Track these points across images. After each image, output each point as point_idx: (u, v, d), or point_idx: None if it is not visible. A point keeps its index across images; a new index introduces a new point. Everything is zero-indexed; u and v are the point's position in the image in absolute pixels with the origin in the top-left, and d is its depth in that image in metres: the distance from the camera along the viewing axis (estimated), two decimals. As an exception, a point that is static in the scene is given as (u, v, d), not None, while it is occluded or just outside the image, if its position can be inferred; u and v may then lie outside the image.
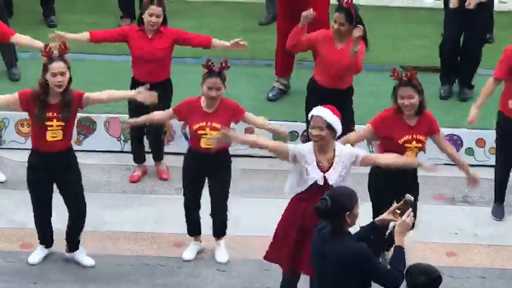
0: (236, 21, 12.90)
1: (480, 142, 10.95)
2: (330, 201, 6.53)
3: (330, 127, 7.77)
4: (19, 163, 10.30)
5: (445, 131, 10.36)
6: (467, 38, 11.61)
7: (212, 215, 9.27)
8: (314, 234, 6.95)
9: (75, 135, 10.32)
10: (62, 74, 8.50)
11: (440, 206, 10.32)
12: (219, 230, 9.33)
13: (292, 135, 10.52)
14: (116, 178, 10.20)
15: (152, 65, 10.03)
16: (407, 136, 8.79)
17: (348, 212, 6.46)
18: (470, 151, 10.98)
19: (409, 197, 6.88)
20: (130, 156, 10.84)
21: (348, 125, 9.08)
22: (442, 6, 12.81)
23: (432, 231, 9.73)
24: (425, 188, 9.79)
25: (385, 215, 6.92)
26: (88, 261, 9.23)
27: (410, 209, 6.74)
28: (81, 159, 9.40)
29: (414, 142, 8.82)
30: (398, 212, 6.79)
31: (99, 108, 10.53)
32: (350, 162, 8.05)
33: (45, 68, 8.54)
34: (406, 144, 8.80)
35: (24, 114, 9.35)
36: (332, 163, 7.99)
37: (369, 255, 6.60)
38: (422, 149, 8.94)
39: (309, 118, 7.94)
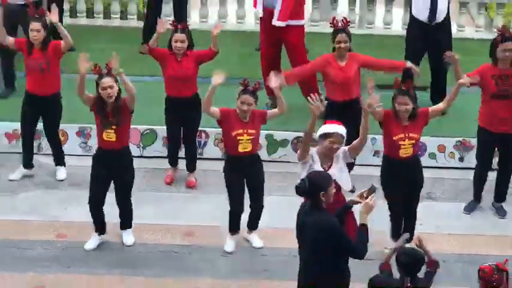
0: (235, 47, 12.97)
1: (441, 148, 11.11)
2: (308, 182, 6.91)
3: (344, 139, 8.19)
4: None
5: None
6: (434, 56, 11.61)
7: (252, 210, 9.42)
8: (299, 209, 7.25)
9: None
10: (111, 87, 8.79)
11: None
12: (255, 224, 9.54)
13: (284, 143, 10.78)
14: (137, 179, 9.86)
15: (182, 82, 10.18)
16: (401, 134, 8.98)
17: (323, 192, 6.82)
18: (433, 155, 11.12)
19: (374, 185, 7.21)
20: (149, 160, 11.06)
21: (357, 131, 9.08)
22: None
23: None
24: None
25: (354, 197, 7.23)
26: (130, 240, 9.46)
27: (373, 194, 7.02)
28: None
29: (407, 140, 9.00)
30: (365, 196, 7.06)
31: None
32: (343, 157, 8.35)
33: (97, 84, 8.83)
34: (400, 142, 9.01)
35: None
36: (332, 163, 8.28)
37: (337, 228, 6.92)
38: (415, 144, 9.17)
39: (329, 132, 8.17)
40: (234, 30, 13.78)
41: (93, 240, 9.35)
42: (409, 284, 6.90)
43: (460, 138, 11.08)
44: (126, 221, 9.45)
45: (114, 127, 8.94)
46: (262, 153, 10.60)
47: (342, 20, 10.29)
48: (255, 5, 11.62)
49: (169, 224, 9.85)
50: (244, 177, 9.31)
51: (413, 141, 9.06)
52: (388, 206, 9.46)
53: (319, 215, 6.91)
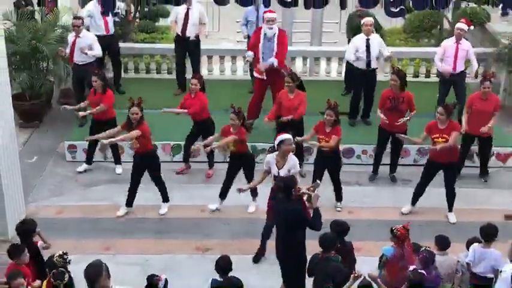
0: (233, 90, 12.47)
1: (364, 152, 10.92)
2: (283, 183, 7.26)
3: (291, 145, 8.34)
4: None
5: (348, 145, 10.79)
6: (368, 92, 11.34)
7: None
8: (275, 200, 7.64)
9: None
10: (136, 113, 9.02)
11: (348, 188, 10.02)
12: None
13: (264, 150, 10.27)
14: (168, 174, 10.03)
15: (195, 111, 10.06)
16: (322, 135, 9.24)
17: (293, 189, 7.16)
18: (358, 156, 10.96)
19: (318, 182, 7.52)
20: (177, 164, 10.77)
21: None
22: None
23: (344, 203, 9.75)
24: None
25: (305, 190, 7.29)
26: (164, 209, 9.60)
27: (318, 188, 7.34)
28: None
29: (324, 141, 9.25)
30: (312, 189, 7.30)
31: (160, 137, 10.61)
32: (292, 164, 8.29)
33: (129, 110, 9.09)
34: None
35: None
36: (284, 164, 8.27)
37: (302, 211, 7.16)
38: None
39: (284, 138, 8.21)
40: (230, 79, 13.46)
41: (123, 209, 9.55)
42: (339, 245, 7.16)
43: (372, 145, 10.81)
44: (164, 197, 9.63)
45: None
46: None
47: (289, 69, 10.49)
48: (259, 73, 11.16)
49: (184, 205, 9.78)
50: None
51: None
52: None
53: (290, 204, 7.15)
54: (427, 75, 13.73)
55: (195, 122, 10.46)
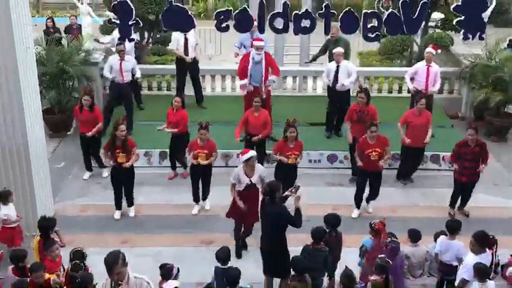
0: (233, 105, 12.22)
1: (346, 157, 10.73)
2: (268, 188, 7.09)
3: (251, 159, 8.05)
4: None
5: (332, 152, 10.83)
6: (341, 110, 11.03)
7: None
8: (262, 202, 7.38)
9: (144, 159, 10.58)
10: (123, 130, 8.86)
11: (332, 188, 10.05)
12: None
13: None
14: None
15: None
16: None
17: (277, 192, 7.05)
18: (341, 161, 10.85)
19: (298, 185, 7.21)
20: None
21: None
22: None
23: (329, 201, 9.61)
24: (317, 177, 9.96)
25: (287, 192, 7.11)
26: (132, 213, 9.39)
27: (299, 190, 7.08)
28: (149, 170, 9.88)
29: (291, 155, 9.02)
30: (293, 191, 7.05)
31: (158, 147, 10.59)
32: (262, 172, 8.20)
33: (115, 129, 8.85)
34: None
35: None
36: (253, 175, 8.10)
37: (287, 212, 7.01)
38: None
39: (250, 156, 8.02)
40: (230, 95, 13.37)
41: (117, 214, 9.38)
42: (334, 235, 7.22)
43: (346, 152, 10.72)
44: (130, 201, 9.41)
45: (124, 154, 8.94)
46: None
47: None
48: (241, 89, 11.14)
49: (180, 203, 9.69)
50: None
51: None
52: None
53: (276, 206, 7.06)
54: (400, 91, 13.77)
55: (175, 135, 10.25)
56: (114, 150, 9.01)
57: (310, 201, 9.26)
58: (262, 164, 9.33)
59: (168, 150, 10.60)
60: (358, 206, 9.58)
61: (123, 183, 9.33)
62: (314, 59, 12.90)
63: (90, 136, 10.20)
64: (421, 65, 11.24)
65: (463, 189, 9.44)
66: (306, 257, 6.94)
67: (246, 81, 10.92)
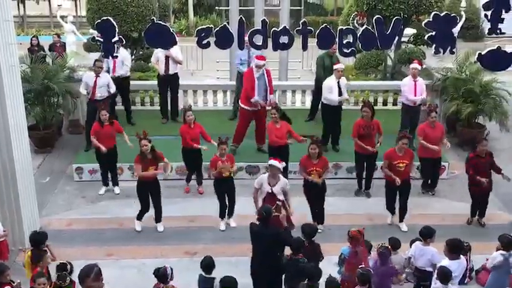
0: (215, 118, 12.35)
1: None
2: (265, 212, 7.03)
3: (279, 169, 8.18)
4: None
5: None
6: (336, 125, 11.26)
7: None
8: (252, 225, 7.14)
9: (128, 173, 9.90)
10: (146, 145, 8.82)
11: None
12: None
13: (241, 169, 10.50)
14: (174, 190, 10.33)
15: (193, 139, 9.90)
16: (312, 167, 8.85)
17: (272, 216, 7.04)
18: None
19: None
20: (170, 181, 10.35)
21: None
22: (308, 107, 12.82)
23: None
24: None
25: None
26: (161, 227, 9.31)
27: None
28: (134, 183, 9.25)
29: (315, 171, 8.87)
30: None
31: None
32: (283, 184, 8.18)
33: (139, 143, 8.90)
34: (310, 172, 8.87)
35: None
36: (276, 183, 8.14)
37: (282, 233, 7.15)
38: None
39: (271, 164, 8.12)
40: (212, 109, 13.41)
41: (138, 224, 9.33)
42: (307, 245, 7.17)
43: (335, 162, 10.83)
44: (158, 217, 9.35)
45: (155, 166, 8.96)
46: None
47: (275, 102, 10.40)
48: (252, 106, 10.90)
49: (186, 215, 9.72)
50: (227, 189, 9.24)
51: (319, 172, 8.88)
52: None
53: (272, 228, 7.06)
54: (375, 104, 13.84)
55: (190, 149, 10.10)
56: (146, 165, 8.91)
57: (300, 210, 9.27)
58: (287, 177, 9.12)
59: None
60: (392, 212, 9.53)
61: (151, 196, 9.19)
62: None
63: (108, 150, 10.04)
64: (408, 81, 11.36)
65: (480, 200, 9.51)
66: (285, 268, 6.91)
67: (256, 98, 10.81)
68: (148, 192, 9.21)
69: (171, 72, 12.38)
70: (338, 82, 11.07)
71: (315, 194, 9.14)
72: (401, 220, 9.50)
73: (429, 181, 10.60)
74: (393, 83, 13.68)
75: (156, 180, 9.19)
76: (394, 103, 13.61)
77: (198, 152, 10.17)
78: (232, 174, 9.22)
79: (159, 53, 12.27)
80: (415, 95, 11.17)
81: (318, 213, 9.35)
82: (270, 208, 7.23)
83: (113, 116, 10.87)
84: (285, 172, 9.22)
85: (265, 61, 10.94)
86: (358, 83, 14.24)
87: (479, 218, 9.68)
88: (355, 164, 10.56)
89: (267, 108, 10.69)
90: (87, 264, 5.25)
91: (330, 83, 11.17)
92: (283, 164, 8.38)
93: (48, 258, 7.09)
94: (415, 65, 11.31)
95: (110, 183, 10.64)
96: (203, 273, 6.87)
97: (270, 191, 8.17)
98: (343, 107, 11.59)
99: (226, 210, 9.42)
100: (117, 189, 10.60)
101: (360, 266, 6.65)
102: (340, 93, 11.10)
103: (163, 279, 6.56)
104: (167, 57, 12.21)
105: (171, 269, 6.63)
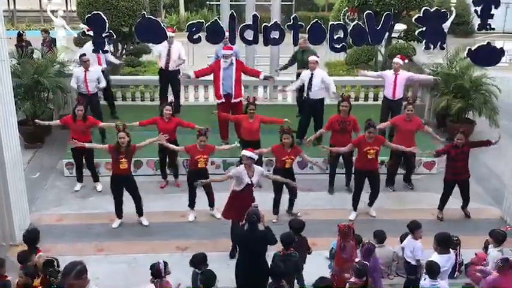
0: (205, 113, 11.78)
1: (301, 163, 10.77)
2: (255, 216, 6.90)
3: (253, 159, 8.24)
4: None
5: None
6: (315, 120, 11.30)
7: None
8: (241, 231, 7.10)
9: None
10: (123, 138, 8.75)
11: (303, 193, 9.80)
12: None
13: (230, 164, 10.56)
14: (152, 186, 10.33)
15: (168, 134, 9.67)
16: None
17: (259, 219, 6.92)
18: (311, 167, 10.82)
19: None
20: (159, 177, 10.63)
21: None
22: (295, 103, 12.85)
23: (300, 206, 9.65)
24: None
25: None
26: (145, 221, 9.33)
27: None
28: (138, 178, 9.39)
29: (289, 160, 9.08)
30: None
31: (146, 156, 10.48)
32: (259, 173, 8.31)
33: (117, 135, 8.81)
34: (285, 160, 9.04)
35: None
36: (253, 174, 8.22)
37: (267, 233, 6.98)
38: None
39: (243, 154, 8.21)
40: (203, 105, 13.42)
41: (117, 222, 9.33)
42: (297, 240, 7.21)
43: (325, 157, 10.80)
44: (140, 210, 9.34)
45: (126, 160, 8.85)
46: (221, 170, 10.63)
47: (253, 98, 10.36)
48: (219, 98, 11.15)
49: (168, 210, 9.73)
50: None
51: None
52: None
53: (260, 232, 6.94)
54: (366, 99, 13.92)
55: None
56: (118, 157, 8.87)
57: (280, 206, 9.53)
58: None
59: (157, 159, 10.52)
60: (355, 208, 9.65)
61: (127, 190, 9.17)
62: (285, 67, 13.07)
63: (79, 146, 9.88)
64: (389, 74, 11.43)
65: (460, 190, 9.58)
66: (277, 263, 6.90)
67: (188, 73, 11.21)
68: (123, 187, 9.18)
69: (170, 68, 12.37)
70: (312, 74, 11.14)
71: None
72: (370, 205, 9.70)
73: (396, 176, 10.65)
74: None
75: (130, 174, 9.16)
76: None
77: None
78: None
79: (161, 48, 12.26)
80: (395, 89, 11.28)
81: (290, 201, 9.60)
82: (258, 211, 7.12)
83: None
84: (260, 165, 9.24)
85: (232, 51, 10.98)
86: (349, 79, 14.34)
87: (464, 209, 9.76)
88: (329, 159, 10.60)
89: (243, 102, 10.67)
90: (72, 261, 5.18)
91: (302, 74, 11.40)
92: (257, 156, 8.37)
93: (39, 257, 6.95)
94: (396, 59, 11.43)
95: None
96: (196, 270, 6.84)
97: (249, 182, 8.18)
98: (328, 101, 11.65)
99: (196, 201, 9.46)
100: (99, 186, 10.51)
101: (356, 261, 6.68)
102: (310, 84, 11.12)
103: (158, 275, 6.56)
104: (169, 52, 12.21)
105: (164, 264, 6.61)
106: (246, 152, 8.28)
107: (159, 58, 12.59)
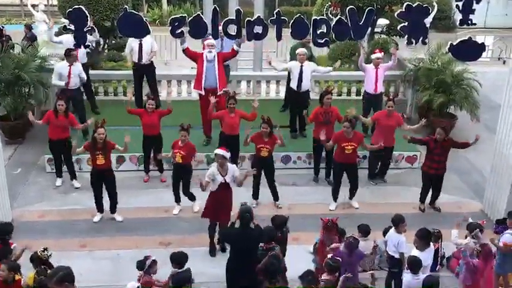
0: (188, 108, 11.88)
1: (299, 157, 11.02)
2: (248, 215, 6.86)
3: (226, 158, 8.14)
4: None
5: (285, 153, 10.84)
6: (301, 111, 10.98)
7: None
8: (233, 232, 7.09)
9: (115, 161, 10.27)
10: (102, 134, 8.76)
11: (286, 187, 10.06)
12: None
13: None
14: (135, 181, 10.36)
15: (151, 127, 9.95)
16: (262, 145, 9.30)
17: (252, 219, 6.91)
18: (294, 162, 11.00)
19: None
20: (142, 172, 10.61)
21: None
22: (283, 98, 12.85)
23: (283, 200, 9.73)
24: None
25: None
26: (119, 217, 9.32)
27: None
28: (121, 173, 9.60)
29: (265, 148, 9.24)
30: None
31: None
32: (234, 173, 8.22)
33: (94, 132, 8.81)
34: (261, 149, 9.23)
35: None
36: (227, 173, 8.14)
37: (262, 230, 6.99)
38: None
39: (216, 153, 8.12)
40: (185, 100, 13.24)
41: (98, 216, 9.33)
42: (279, 234, 7.24)
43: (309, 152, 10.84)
44: (113, 207, 9.34)
45: (104, 155, 8.86)
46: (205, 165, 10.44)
47: (233, 92, 10.28)
48: (200, 89, 10.87)
49: (153, 206, 9.70)
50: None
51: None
52: None
53: (253, 230, 6.94)
54: (348, 94, 13.96)
55: (148, 136, 10.18)
56: (94, 152, 8.86)
57: (265, 201, 9.56)
58: (236, 164, 9.27)
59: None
60: (335, 199, 9.79)
61: (104, 185, 9.16)
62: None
63: (61, 142, 9.94)
64: (370, 68, 11.44)
65: (432, 183, 9.67)
66: (262, 258, 6.81)
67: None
68: (102, 182, 9.15)
69: (144, 61, 12.28)
70: (301, 66, 11.17)
71: (265, 169, 9.48)
72: (351, 197, 9.86)
73: (376, 170, 10.76)
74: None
75: (109, 169, 9.15)
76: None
77: (158, 140, 10.17)
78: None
79: (132, 43, 12.22)
80: (376, 83, 11.33)
81: (271, 190, 9.70)
82: (250, 209, 7.09)
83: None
84: (235, 163, 9.20)
85: (215, 41, 10.83)
86: (332, 73, 14.06)
87: (432, 203, 9.88)
88: (313, 151, 10.62)
89: (221, 95, 10.59)
90: (59, 265, 5.12)
91: (292, 65, 11.41)
92: (229, 153, 8.28)
93: (18, 250, 6.92)
94: (376, 54, 11.46)
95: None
96: (177, 269, 6.78)
97: (223, 181, 8.13)
98: (310, 95, 11.69)
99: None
100: (76, 183, 10.42)
101: (329, 256, 6.69)
102: (300, 77, 11.15)
103: (142, 268, 6.59)
104: (140, 46, 12.12)
105: (151, 260, 6.61)
106: (219, 151, 8.19)
107: (131, 53, 12.44)
